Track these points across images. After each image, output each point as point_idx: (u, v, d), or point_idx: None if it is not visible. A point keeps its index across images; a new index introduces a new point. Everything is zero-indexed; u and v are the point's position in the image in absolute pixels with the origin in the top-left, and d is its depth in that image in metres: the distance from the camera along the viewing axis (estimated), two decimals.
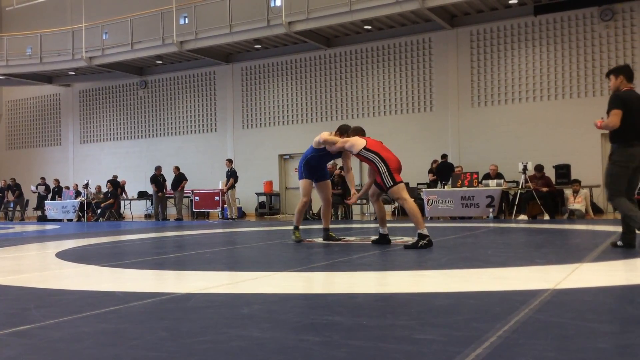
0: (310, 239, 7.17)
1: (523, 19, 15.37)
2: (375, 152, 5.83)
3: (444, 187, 13.46)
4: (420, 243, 5.51)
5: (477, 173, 13.21)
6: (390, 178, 5.70)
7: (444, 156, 15.29)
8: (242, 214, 18.10)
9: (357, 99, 17.50)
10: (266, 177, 18.34)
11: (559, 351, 2.00)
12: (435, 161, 15.41)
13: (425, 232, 5.57)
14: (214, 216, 18.25)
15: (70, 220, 18.27)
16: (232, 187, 16.31)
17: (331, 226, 7.04)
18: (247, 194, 18.39)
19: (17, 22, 23.67)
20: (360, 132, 6.33)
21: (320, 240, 6.88)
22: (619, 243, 5.24)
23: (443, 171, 14.74)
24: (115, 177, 18.95)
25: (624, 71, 5.30)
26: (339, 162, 13.60)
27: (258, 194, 18.19)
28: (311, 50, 18.08)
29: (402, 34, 16.81)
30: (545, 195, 12.29)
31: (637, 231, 5.17)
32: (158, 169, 17.29)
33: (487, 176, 13.57)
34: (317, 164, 6.74)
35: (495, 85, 15.72)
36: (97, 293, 3.49)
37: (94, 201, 18.35)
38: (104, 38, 19.64)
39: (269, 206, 18.09)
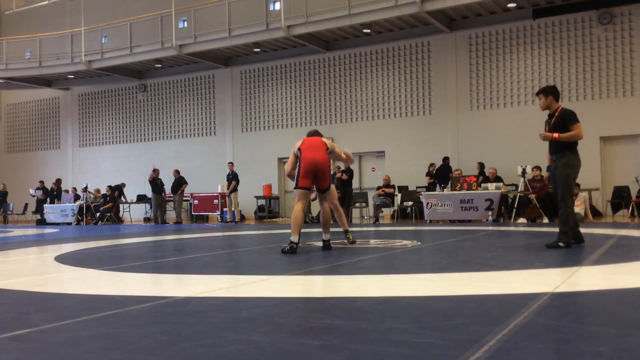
0: (309, 243, 7.16)
1: (522, 22, 15.40)
2: (301, 152, 6.20)
3: (443, 191, 13.47)
4: (285, 248, 5.85)
5: (476, 176, 13.22)
6: (296, 180, 6.12)
7: (445, 159, 15.27)
8: (241, 217, 18.09)
9: (356, 103, 17.51)
10: (265, 180, 18.34)
11: (558, 355, 2.00)
12: (432, 164, 15.41)
13: (294, 239, 5.80)
14: (212, 219, 18.23)
15: (69, 223, 18.25)
16: (235, 190, 16.28)
17: (330, 229, 6.99)
18: (246, 197, 18.40)
19: (17, 25, 23.70)
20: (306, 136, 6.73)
21: (320, 244, 6.85)
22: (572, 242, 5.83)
23: (442, 174, 14.74)
24: (123, 184, 18.97)
25: (553, 91, 5.89)
26: (341, 164, 13.64)
27: (257, 197, 18.18)
28: (310, 54, 18.10)
29: (401, 37, 16.83)
30: (544, 198, 12.29)
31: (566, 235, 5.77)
32: (155, 172, 17.10)
33: (486, 179, 13.57)
34: None
35: (494, 88, 15.74)
36: (96, 297, 3.49)
37: (93, 205, 18.34)
38: (103, 42, 19.67)
39: (268, 209, 18.09)
